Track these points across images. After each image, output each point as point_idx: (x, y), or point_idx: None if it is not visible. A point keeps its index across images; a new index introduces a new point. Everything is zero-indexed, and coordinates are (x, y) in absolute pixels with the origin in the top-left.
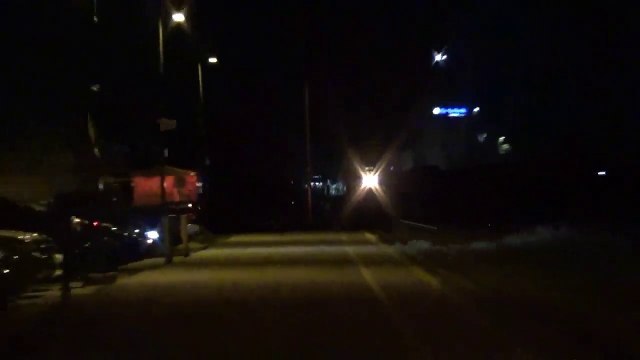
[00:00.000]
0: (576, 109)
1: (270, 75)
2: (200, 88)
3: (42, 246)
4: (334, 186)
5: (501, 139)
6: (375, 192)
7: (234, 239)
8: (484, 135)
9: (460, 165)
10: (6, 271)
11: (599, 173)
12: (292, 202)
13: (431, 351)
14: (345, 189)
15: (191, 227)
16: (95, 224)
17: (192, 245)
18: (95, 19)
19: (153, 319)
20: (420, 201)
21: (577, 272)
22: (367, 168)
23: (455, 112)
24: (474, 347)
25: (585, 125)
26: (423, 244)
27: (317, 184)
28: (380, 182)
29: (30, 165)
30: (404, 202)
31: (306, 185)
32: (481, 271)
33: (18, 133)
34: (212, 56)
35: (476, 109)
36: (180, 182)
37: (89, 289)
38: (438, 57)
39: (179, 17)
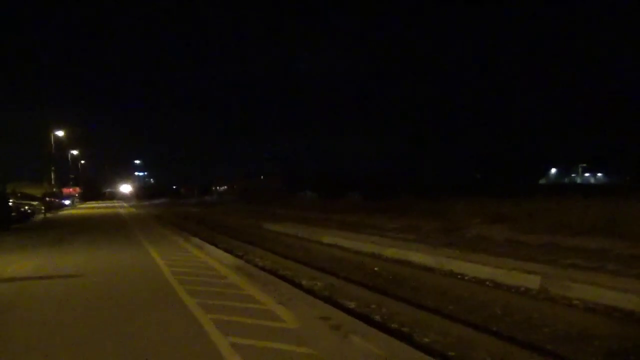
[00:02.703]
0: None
1: None
2: None
3: (38, 205)
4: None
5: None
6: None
7: (91, 203)
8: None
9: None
10: (30, 211)
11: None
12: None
13: (134, 225)
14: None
15: (76, 200)
16: (52, 199)
17: (78, 205)
18: None
19: (70, 219)
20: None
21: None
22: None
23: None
24: (149, 227)
25: None
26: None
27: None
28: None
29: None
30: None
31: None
32: (155, 208)
33: None
34: None
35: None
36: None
37: (51, 215)
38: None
39: None
